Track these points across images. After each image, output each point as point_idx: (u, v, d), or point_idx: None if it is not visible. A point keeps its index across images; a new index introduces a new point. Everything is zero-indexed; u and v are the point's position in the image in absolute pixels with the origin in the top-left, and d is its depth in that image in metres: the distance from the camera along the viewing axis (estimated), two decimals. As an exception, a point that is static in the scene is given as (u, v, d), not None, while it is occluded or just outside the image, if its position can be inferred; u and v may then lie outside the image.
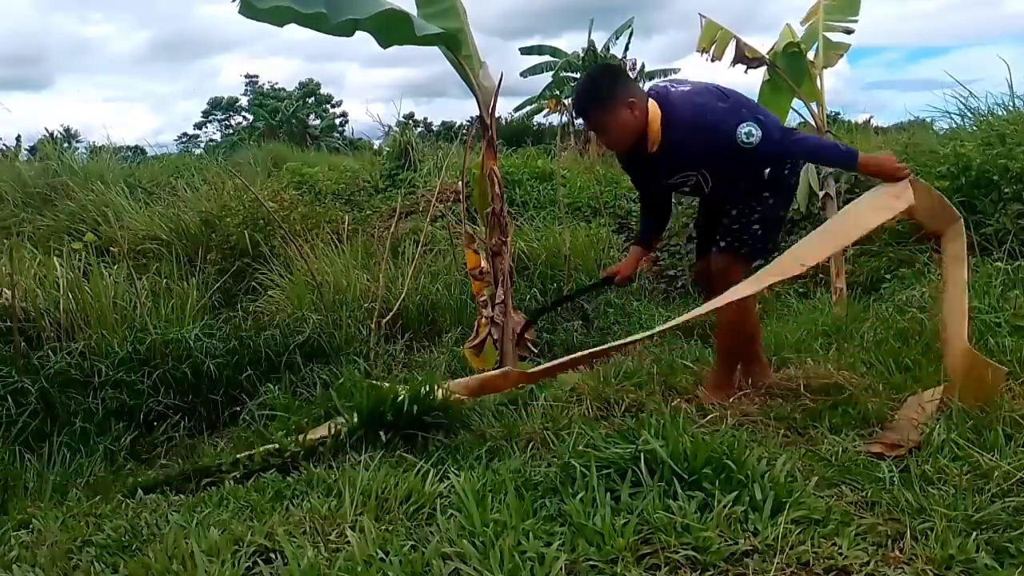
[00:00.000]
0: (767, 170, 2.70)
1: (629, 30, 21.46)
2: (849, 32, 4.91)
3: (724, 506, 1.73)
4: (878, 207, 2.63)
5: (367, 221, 6.98)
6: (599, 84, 2.78)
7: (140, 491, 2.38)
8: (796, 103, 4.96)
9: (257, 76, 42.12)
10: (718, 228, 2.85)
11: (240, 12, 3.09)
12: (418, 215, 7.59)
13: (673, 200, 2.75)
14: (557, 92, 21.09)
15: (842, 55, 4.92)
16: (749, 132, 2.54)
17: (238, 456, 2.53)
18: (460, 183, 4.35)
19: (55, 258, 4.56)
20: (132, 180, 8.83)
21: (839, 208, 4.97)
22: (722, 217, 2.82)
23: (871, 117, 16.92)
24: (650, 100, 2.68)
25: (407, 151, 10.46)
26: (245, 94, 40.84)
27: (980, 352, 2.72)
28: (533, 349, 3.55)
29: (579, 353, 3.01)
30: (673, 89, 2.74)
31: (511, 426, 2.66)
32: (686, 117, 2.63)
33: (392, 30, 3.31)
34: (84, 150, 12.14)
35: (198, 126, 44.18)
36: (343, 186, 10.32)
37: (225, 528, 1.89)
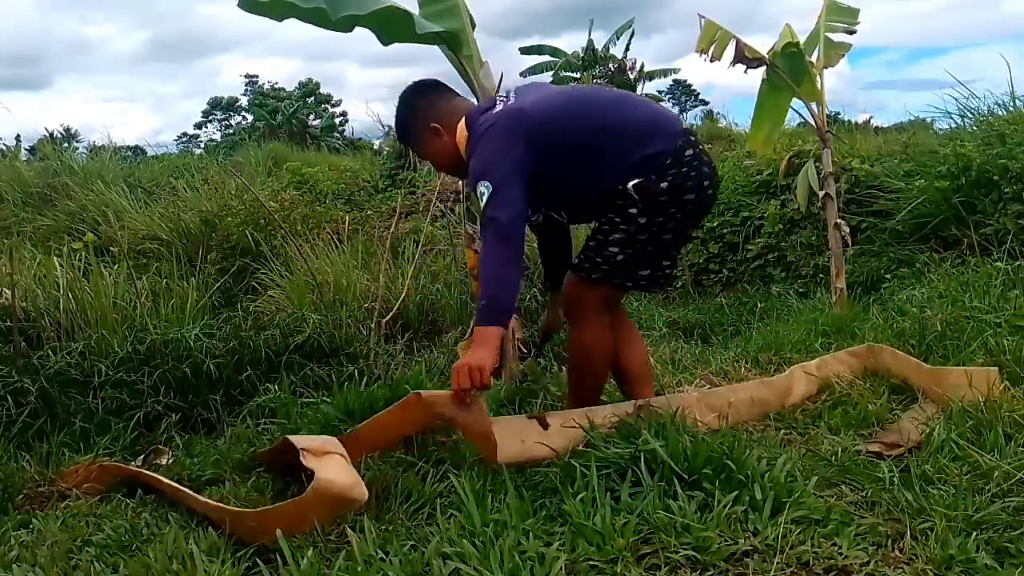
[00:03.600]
0: (632, 182, 2.19)
1: (629, 30, 21.48)
2: (851, 32, 4.92)
3: (724, 506, 1.73)
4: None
5: (367, 221, 6.98)
6: (400, 111, 2.46)
7: (140, 491, 2.39)
8: (796, 103, 4.96)
9: (257, 76, 42.22)
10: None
11: (239, 6, 3.09)
12: (418, 215, 7.60)
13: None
14: (557, 92, 21.05)
15: (843, 55, 4.93)
16: (482, 194, 2.14)
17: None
18: (460, 183, 4.35)
19: (55, 258, 4.56)
20: (132, 180, 8.84)
21: (839, 208, 4.98)
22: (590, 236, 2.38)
23: (871, 117, 16.93)
24: (463, 121, 2.34)
25: (407, 151, 10.45)
26: (245, 94, 40.92)
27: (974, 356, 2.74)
28: (523, 350, 3.54)
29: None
30: (492, 107, 2.33)
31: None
32: (469, 147, 2.28)
33: (393, 27, 3.30)
34: (84, 150, 12.15)
35: (198, 126, 44.25)
36: (343, 186, 10.32)
37: (225, 528, 1.89)
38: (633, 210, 2.21)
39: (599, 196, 2.26)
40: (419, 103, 2.44)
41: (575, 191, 2.32)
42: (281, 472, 2.29)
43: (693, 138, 2.30)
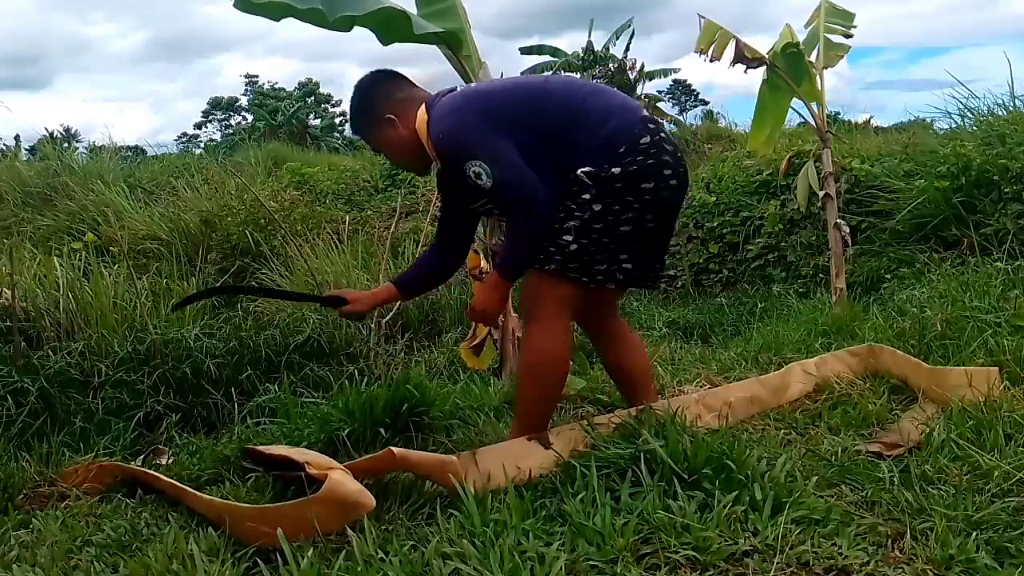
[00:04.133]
0: (583, 169, 2.12)
1: (629, 30, 21.48)
2: (848, 36, 4.93)
3: (724, 506, 1.73)
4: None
5: (367, 221, 6.98)
6: (355, 102, 2.38)
7: (140, 490, 2.39)
8: (796, 103, 4.96)
9: (257, 76, 42.20)
10: None
11: (235, 6, 3.08)
12: (418, 215, 7.60)
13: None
14: (557, 92, 21.05)
15: (842, 56, 4.93)
16: (478, 173, 2.12)
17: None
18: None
19: (55, 258, 4.56)
20: (132, 180, 8.84)
21: (839, 208, 4.98)
22: None
23: (871, 117, 16.94)
24: (422, 107, 2.26)
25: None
26: (245, 94, 40.91)
27: (975, 355, 2.74)
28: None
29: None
30: (447, 95, 2.29)
31: (511, 426, 2.66)
32: (431, 130, 2.22)
33: (391, 28, 3.30)
34: (84, 150, 12.15)
35: (198, 126, 44.29)
36: (343, 186, 10.33)
37: (225, 528, 1.88)
38: (586, 195, 2.12)
39: (555, 184, 2.17)
40: (374, 94, 2.35)
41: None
42: (267, 470, 2.28)
43: (653, 126, 2.20)
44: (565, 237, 2.15)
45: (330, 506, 1.79)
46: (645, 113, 2.24)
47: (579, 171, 2.12)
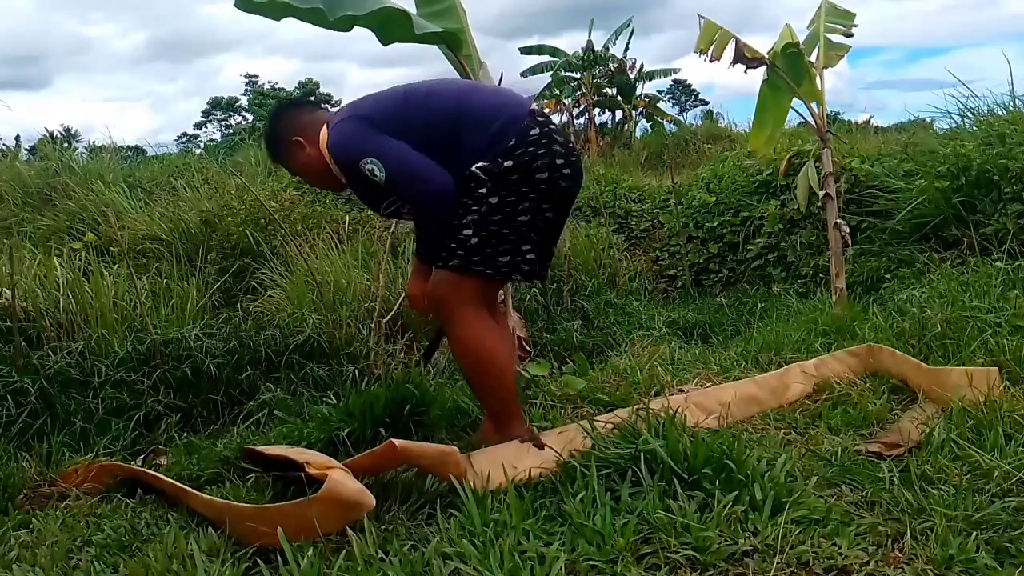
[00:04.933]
0: (475, 166, 2.19)
1: (629, 30, 21.48)
2: (849, 36, 4.93)
3: (724, 506, 1.74)
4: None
5: (367, 221, 6.96)
6: (265, 130, 2.57)
7: (140, 490, 2.39)
8: (796, 103, 4.96)
9: (257, 76, 42.26)
10: None
11: (236, 5, 3.09)
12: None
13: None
14: (557, 92, 21.10)
15: (843, 56, 4.93)
16: (372, 170, 2.24)
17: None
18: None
19: (55, 258, 4.56)
20: (132, 180, 8.82)
21: (839, 208, 4.98)
22: None
23: (871, 117, 16.96)
24: (325, 126, 2.38)
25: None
26: (245, 94, 40.97)
27: (974, 356, 2.74)
28: (528, 348, 3.53)
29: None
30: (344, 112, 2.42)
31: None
32: (328, 145, 2.34)
33: (391, 28, 3.31)
34: (84, 150, 12.14)
35: (198, 126, 44.33)
36: (343, 186, 10.28)
37: (225, 528, 1.88)
38: (483, 190, 2.19)
39: (460, 171, 2.24)
40: (281, 120, 2.51)
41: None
42: (266, 470, 2.28)
43: (541, 119, 2.28)
44: (465, 232, 2.21)
45: (330, 506, 1.78)
46: (534, 107, 2.32)
47: (473, 167, 2.19)
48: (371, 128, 2.28)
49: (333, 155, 2.33)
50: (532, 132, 2.23)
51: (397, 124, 2.27)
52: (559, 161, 2.25)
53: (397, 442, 1.96)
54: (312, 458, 2.03)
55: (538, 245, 2.33)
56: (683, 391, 2.94)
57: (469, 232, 2.21)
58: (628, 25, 21.41)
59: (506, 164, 2.18)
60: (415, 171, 2.23)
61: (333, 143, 2.32)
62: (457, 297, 2.26)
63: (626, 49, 21.69)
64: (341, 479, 1.83)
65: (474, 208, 2.20)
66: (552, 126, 2.30)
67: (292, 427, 2.85)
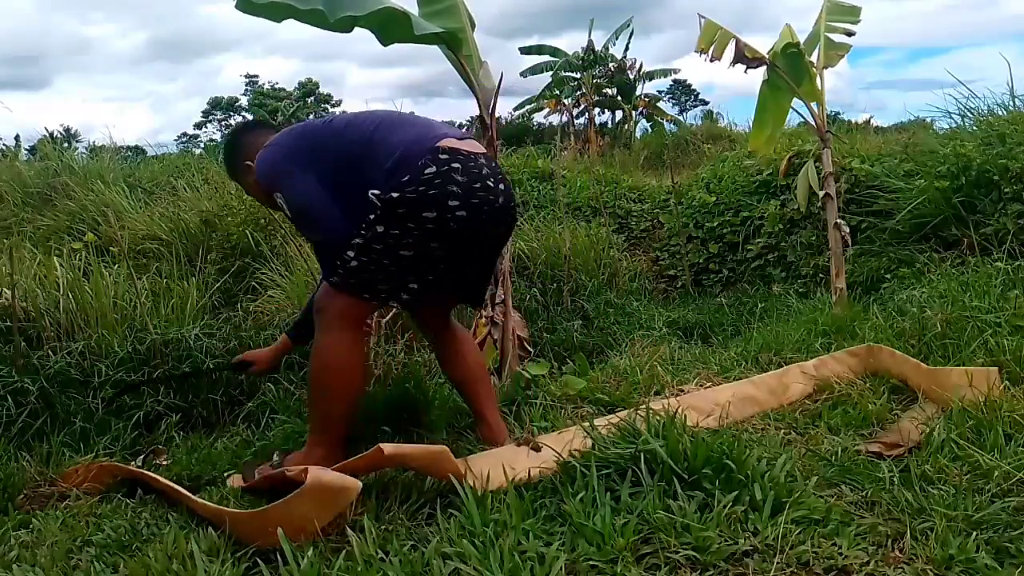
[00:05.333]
0: (372, 192, 2.21)
1: (629, 30, 21.50)
2: (850, 34, 4.92)
3: (724, 506, 1.74)
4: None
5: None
6: (223, 153, 2.64)
7: (140, 490, 2.39)
8: (796, 103, 4.96)
9: (257, 76, 42.28)
10: None
11: (237, 7, 3.08)
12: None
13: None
14: (557, 92, 21.12)
15: (843, 56, 4.93)
16: (280, 205, 2.37)
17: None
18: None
19: (55, 258, 4.56)
20: (132, 180, 8.81)
21: (839, 208, 4.98)
22: None
23: (871, 117, 16.96)
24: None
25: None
26: (245, 94, 40.99)
27: (973, 356, 2.73)
28: (529, 349, 3.53)
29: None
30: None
31: (510, 426, 2.66)
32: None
33: (392, 28, 3.30)
34: (84, 150, 12.14)
35: (198, 126, 44.37)
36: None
37: (225, 528, 1.88)
38: (372, 215, 2.20)
39: (357, 207, 2.26)
40: (236, 144, 2.59)
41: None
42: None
43: (444, 156, 2.21)
44: (348, 252, 2.22)
45: (316, 497, 1.78)
46: (442, 145, 2.25)
47: (370, 192, 2.22)
48: (286, 159, 2.34)
49: (261, 183, 2.42)
50: (428, 171, 2.19)
51: (315, 153, 2.33)
52: (452, 203, 2.19)
53: (386, 447, 1.95)
54: (288, 462, 2.04)
55: (429, 278, 2.28)
56: (683, 391, 2.94)
57: (352, 254, 2.22)
58: (628, 25, 21.44)
59: (393, 195, 2.18)
60: (310, 217, 2.35)
61: (258, 172, 2.40)
62: (332, 309, 2.27)
63: (626, 49, 21.73)
64: (319, 471, 1.84)
65: (362, 231, 2.21)
66: (456, 165, 2.22)
67: (292, 427, 2.85)
